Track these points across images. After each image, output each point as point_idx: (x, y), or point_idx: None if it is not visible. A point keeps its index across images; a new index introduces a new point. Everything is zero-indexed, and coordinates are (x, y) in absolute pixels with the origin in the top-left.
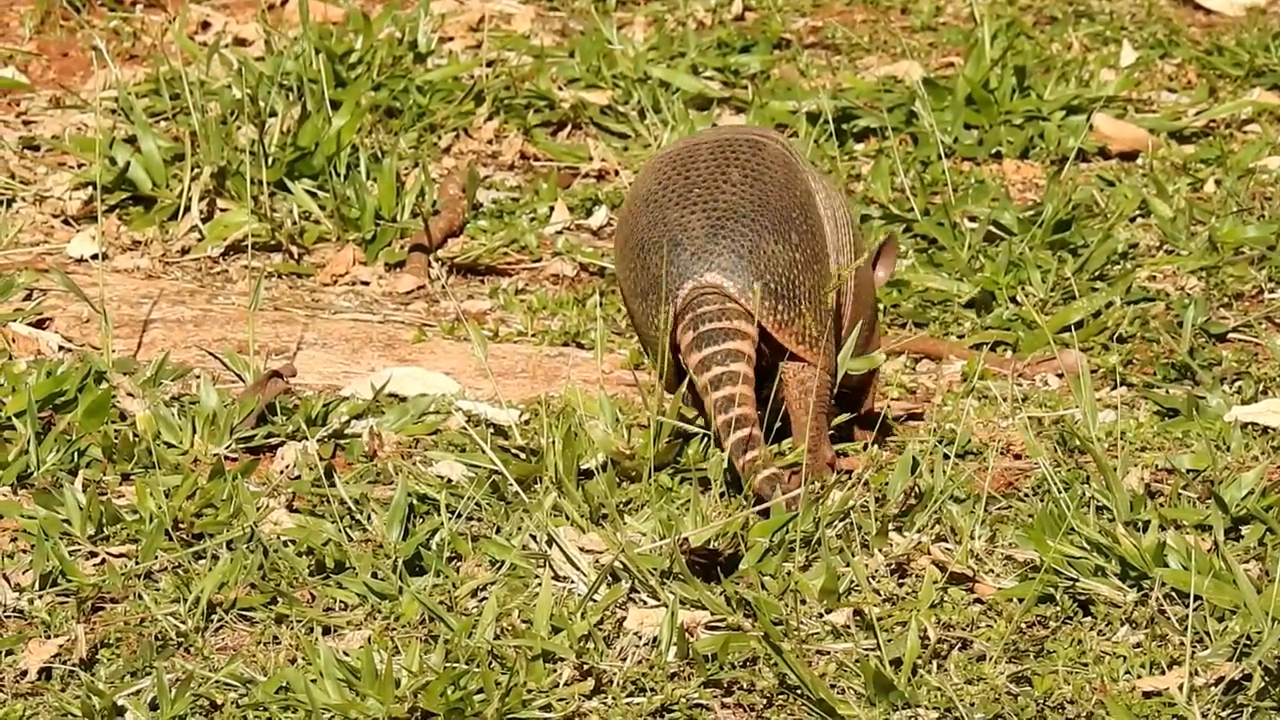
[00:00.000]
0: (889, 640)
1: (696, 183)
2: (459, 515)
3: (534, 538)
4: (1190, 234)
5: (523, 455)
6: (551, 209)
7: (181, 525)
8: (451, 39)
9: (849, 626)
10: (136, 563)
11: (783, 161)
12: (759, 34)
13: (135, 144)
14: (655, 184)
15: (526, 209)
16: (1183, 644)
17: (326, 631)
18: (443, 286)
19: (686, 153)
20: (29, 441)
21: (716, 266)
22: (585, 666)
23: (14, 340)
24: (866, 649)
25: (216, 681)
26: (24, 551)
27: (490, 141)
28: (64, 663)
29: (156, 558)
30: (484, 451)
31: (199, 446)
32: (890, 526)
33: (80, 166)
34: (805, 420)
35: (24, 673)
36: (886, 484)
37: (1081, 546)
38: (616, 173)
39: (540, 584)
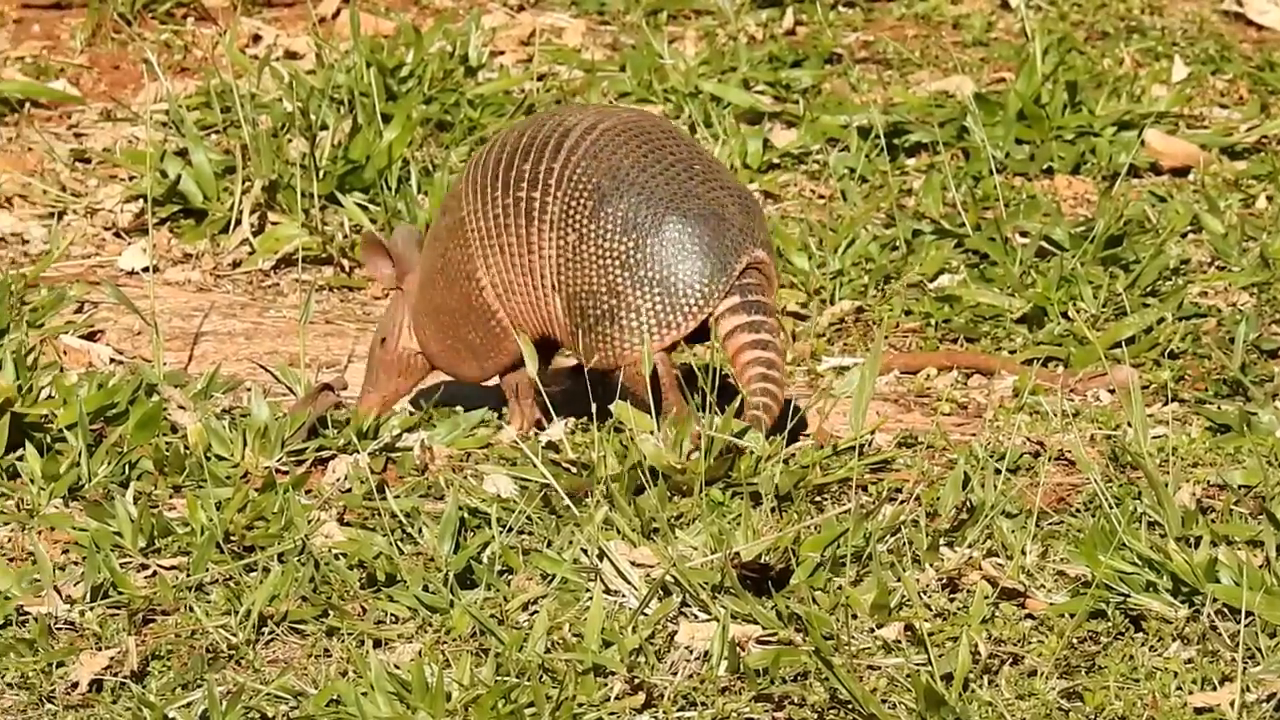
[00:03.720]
0: (940, 655)
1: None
2: (510, 529)
3: (585, 551)
4: (1242, 250)
5: (574, 469)
6: None
7: (233, 538)
8: (502, 53)
9: (900, 641)
10: (188, 575)
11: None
12: (810, 48)
13: (186, 157)
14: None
15: None
16: (1234, 660)
17: (378, 644)
18: None
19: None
20: (80, 454)
21: None
22: (636, 680)
23: (65, 353)
24: (917, 664)
25: (267, 694)
26: (75, 563)
27: None
28: (115, 675)
29: (208, 570)
30: (535, 465)
31: (250, 459)
32: (941, 541)
33: (131, 179)
34: None
35: (75, 684)
36: (938, 499)
37: (1133, 562)
38: None
39: (591, 598)
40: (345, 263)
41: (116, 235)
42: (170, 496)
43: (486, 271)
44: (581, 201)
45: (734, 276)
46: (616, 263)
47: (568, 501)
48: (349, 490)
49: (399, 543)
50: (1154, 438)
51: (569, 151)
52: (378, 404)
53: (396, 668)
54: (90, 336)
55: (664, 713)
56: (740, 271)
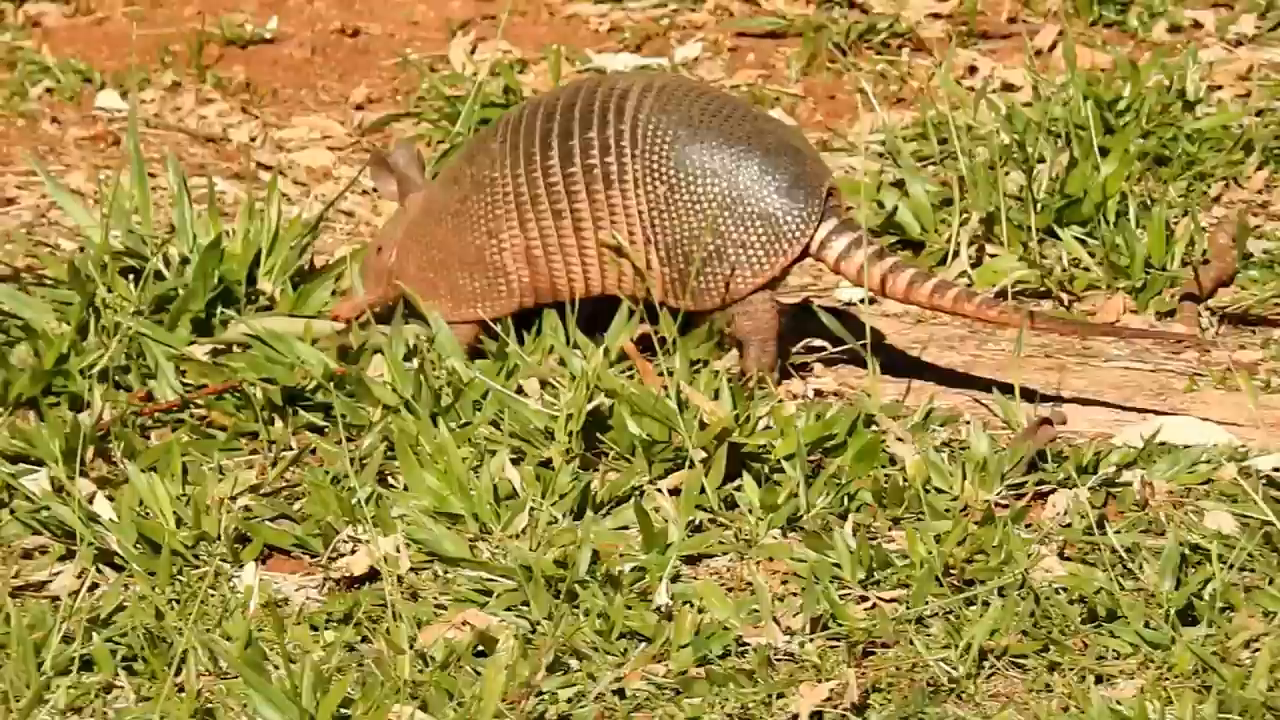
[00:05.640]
0: None
1: None
2: (1231, 566)
3: None
4: None
5: None
6: None
7: (952, 571)
8: (1220, 87)
9: None
10: (907, 607)
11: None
12: None
13: (903, 188)
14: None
15: None
16: None
17: (1099, 680)
18: (1214, 336)
19: None
20: (798, 484)
21: None
22: None
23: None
24: None
25: None
26: (794, 594)
27: (1260, 191)
28: (835, 707)
29: (927, 603)
30: (1257, 503)
31: (969, 492)
32: None
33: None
34: None
35: (794, 716)
36: None
37: None
38: None
39: None
40: (1063, 296)
41: None
42: (889, 529)
43: (523, 235)
44: (664, 154)
45: (824, 200)
46: (714, 204)
47: None
48: (1069, 524)
49: (1119, 578)
50: None
51: (634, 111)
52: (353, 308)
53: (1118, 704)
54: (805, 366)
55: None
56: (826, 195)
